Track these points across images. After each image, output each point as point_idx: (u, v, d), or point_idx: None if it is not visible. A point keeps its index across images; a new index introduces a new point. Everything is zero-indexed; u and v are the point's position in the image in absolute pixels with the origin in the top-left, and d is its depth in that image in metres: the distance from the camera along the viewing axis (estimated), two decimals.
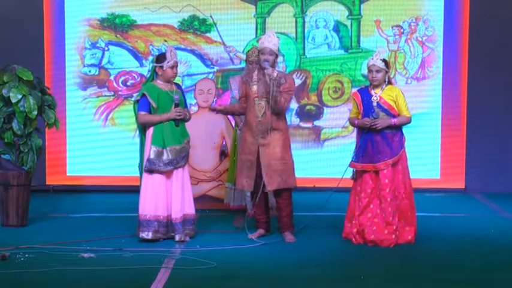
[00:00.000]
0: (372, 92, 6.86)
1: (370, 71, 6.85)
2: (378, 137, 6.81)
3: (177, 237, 6.80)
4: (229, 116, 8.42)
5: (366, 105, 6.85)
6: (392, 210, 6.77)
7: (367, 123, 6.80)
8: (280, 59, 8.17)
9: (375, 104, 6.82)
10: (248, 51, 7.98)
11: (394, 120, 6.78)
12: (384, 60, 6.83)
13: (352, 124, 7.07)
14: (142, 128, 6.90)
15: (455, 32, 9.60)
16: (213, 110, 7.17)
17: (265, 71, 6.76)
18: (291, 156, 6.96)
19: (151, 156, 6.75)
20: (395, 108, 6.81)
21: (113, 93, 9.69)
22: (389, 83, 6.92)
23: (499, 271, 5.97)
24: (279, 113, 6.83)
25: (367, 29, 9.62)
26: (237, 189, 7.60)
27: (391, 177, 6.79)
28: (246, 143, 6.90)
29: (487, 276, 5.84)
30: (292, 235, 6.95)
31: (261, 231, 7.03)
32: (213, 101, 8.67)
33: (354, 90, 9.35)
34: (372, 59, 6.83)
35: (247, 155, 6.89)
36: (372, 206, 6.83)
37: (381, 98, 6.82)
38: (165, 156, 6.76)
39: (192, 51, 9.64)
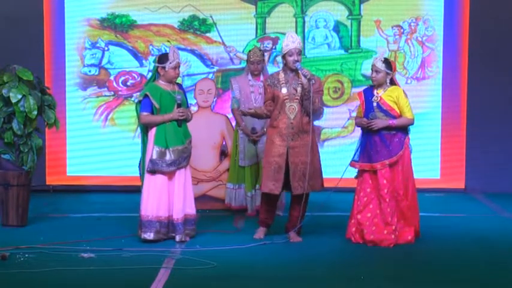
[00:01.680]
0: (375, 92, 6.87)
1: (371, 70, 6.86)
2: (376, 137, 6.81)
3: (177, 238, 6.79)
4: (229, 117, 8.42)
5: (367, 105, 6.86)
6: (391, 210, 6.76)
7: (364, 123, 6.81)
8: (280, 58, 8.17)
9: (374, 104, 6.83)
10: (249, 51, 7.98)
11: (391, 122, 6.78)
12: (386, 61, 6.82)
13: (355, 123, 7.11)
14: (145, 128, 6.89)
15: (455, 32, 9.60)
16: (242, 114, 7.14)
17: (300, 72, 6.69)
18: (319, 158, 6.90)
19: (154, 157, 6.73)
20: (396, 110, 6.80)
21: (112, 93, 9.68)
22: (393, 83, 6.91)
23: (499, 271, 5.97)
24: (314, 113, 6.74)
25: (367, 29, 9.61)
26: (263, 192, 6.98)
27: (390, 178, 6.78)
28: (274, 146, 6.78)
29: (487, 276, 5.84)
30: (298, 235, 6.94)
31: (263, 229, 7.01)
32: (213, 101, 8.67)
33: (354, 90, 9.42)
34: (376, 58, 6.84)
35: (275, 157, 6.77)
36: (371, 205, 6.83)
37: (381, 98, 6.82)
38: (167, 157, 6.74)
39: (192, 51, 9.63)
